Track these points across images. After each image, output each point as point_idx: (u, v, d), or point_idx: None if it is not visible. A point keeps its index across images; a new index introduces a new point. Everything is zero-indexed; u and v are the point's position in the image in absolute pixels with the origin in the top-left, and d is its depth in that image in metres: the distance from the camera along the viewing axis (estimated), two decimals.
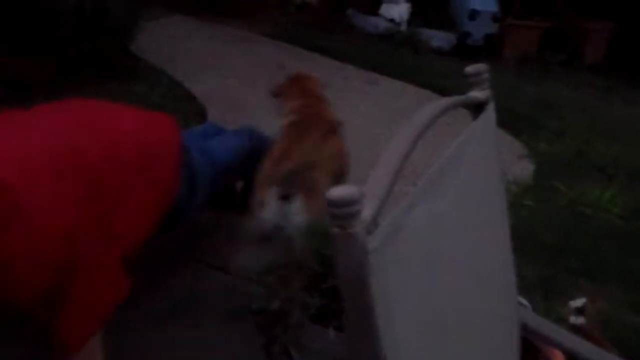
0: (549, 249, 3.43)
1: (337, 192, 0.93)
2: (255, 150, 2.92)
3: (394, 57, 6.38)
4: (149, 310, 2.38)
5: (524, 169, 4.42)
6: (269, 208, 2.48)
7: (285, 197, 2.46)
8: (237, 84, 4.75)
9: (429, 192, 1.17)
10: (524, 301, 2.08)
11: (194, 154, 2.49)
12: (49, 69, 4.16)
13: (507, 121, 4.79)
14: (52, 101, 3.82)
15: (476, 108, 1.49)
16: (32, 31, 3.99)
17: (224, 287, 2.70)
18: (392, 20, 6.99)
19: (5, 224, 1.70)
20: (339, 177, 2.74)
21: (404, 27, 6.99)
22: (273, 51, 5.74)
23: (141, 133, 2.21)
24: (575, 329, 2.29)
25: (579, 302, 2.40)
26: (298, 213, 2.45)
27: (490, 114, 1.50)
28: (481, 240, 1.43)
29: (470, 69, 1.48)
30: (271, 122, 3.97)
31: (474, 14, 7.06)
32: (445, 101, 1.33)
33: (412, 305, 1.08)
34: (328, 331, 2.12)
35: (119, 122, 2.19)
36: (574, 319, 2.36)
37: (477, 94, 1.48)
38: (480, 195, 1.44)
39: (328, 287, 2.14)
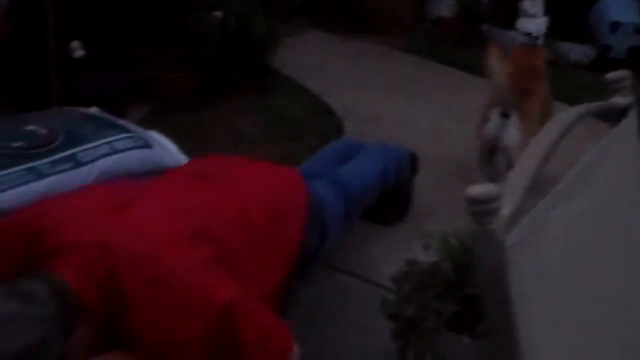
0: None
1: (477, 189, 0.97)
2: (388, 169, 2.97)
3: None
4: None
5: None
6: (491, 123, 3.16)
7: (504, 115, 3.12)
8: (373, 98, 4.79)
9: (567, 194, 1.18)
10: None
11: (324, 194, 2.56)
12: (194, 84, 4.39)
13: None
14: (196, 114, 4.03)
15: (617, 115, 1.49)
16: (181, 49, 4.23)
17: (355, 293, 2.76)
18: (529, 34, 6.86)
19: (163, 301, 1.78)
20: (545, 117, 3.20)
21: (541, 41, 6.84)
22: (408, 65, 5.75)
23: (269, 197, 2.31)
24: None
25: None
26: (512, 128, 3.11)
27: (632, 120, 1.49)
28: (622, 247, 1.42)
29: (611, 75, 1.48)
30: (406, 134, 4.02)
31: (615, 26, 6.79)
32: (586, 107, 1.34)
33: (549, 304, 1.10)
34: (462, 338, 2.13)
35: (249, 188, 2.30)
36: None
37: (619, 100, 1.47)
38: (620, 201, 1.43)
39: (462, 295, 2.15)
